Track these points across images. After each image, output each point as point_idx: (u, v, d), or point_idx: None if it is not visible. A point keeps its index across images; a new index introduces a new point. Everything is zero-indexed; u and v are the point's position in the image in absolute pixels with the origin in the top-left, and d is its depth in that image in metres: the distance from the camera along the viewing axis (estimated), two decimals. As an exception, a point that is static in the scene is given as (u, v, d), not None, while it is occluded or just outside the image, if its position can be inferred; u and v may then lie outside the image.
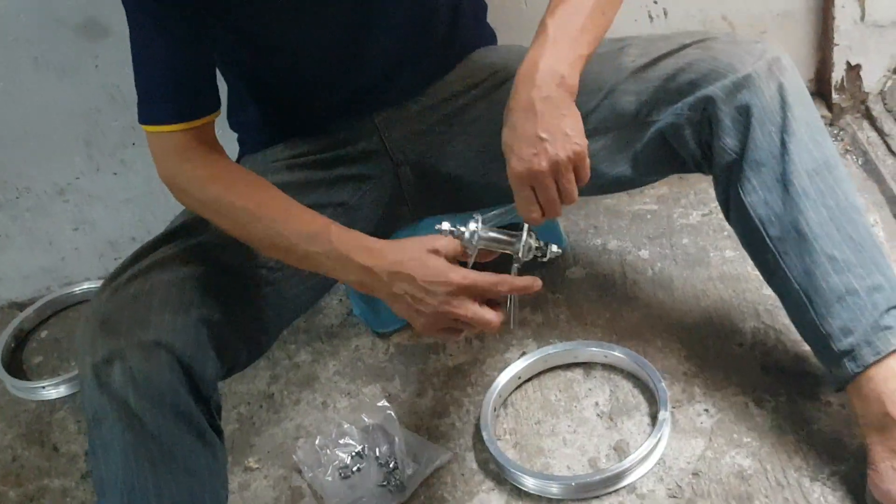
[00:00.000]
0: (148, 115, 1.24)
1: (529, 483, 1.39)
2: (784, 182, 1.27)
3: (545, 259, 1.25)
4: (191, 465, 1.14)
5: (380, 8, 1.31)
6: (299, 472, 1.51)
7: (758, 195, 1.29)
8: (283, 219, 1.20)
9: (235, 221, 1.22)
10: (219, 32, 1.29)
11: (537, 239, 1.22)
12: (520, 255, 1.22)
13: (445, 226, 1.18)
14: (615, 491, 1.37)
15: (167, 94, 1.22)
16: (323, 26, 1.30)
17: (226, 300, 1.22)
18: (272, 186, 1.26)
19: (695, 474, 1.37)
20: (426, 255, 1.14)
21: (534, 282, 1.18)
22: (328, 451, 1.51)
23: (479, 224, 1.19)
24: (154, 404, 1.11)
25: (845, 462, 1.33)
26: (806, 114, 1.28)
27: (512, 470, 1.40)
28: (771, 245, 1.30)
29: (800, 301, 1.29)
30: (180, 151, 1.25)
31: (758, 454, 1.38)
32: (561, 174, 1.14)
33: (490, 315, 1.15)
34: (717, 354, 1.56)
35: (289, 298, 1.34)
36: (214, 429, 1.20)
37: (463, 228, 1.18)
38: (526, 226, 1.21)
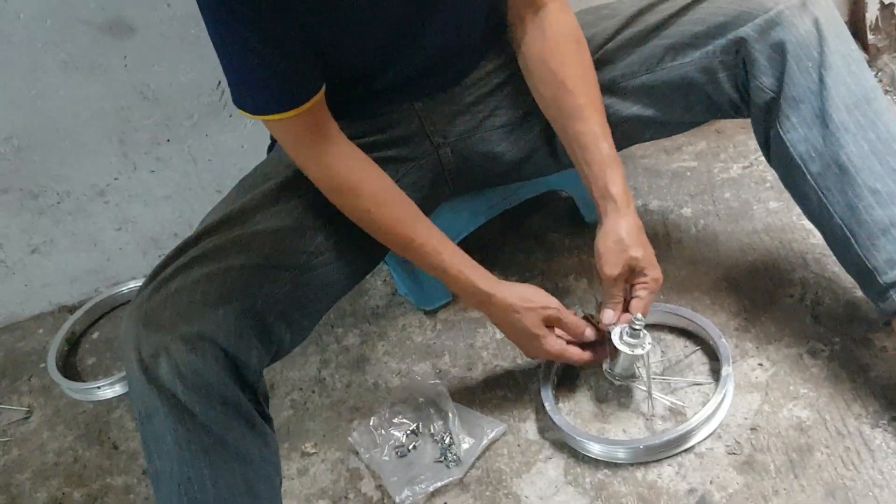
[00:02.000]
0: (258, 105, 1.24)
1: (595, 449, 1.38)
2: (823, 117, 1.26)
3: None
4: (243, 453, 1.15)
5: (433, 4, 1.32)
6: (356, 453, 1.52)
7: (797, 132, 1.29)
8: (408, 244, 1.35)
9: (373, 231, 1.35)
10: None
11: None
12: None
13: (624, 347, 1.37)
14: (678, 453, 1.36)
15: (272, 83, 1.22)
16: (379, 21, 1.30)
17: (267, 289, 1.23)
18: (401, 196, 1.36)
19: (753, 429, 1.36)
20: (529, 330, 1.39)
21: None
22: (383, 430, 1.52)
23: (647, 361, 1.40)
24: (202, 396, 1.11)
25: (906, 407, 1.32)
26: (843, 46, 1.27)
27: (577, 437, 1.39)
28: (812, 182, 1.29)
29: (844, 237, 1.27)
30: (302, 139, 1.27)
31: (815, 405, 1.37)
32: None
33: (581, 355, 1.42)
34: (767, 307, 1.55)
35: (330, 283, 1.35)
36: (263, 416, 1.21)
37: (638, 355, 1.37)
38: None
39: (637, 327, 1.33)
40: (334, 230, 1.33)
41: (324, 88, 1.26)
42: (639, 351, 1.35)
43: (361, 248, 1.37)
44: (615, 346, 1.36)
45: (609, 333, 1.37)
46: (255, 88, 1.21)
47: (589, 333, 1.41)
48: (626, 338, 1.35)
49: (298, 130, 1.25)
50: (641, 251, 1.34)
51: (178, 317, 1.14)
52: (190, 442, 1.12)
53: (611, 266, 1.34)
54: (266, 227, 1.28)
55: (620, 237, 1.33)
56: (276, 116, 1.22)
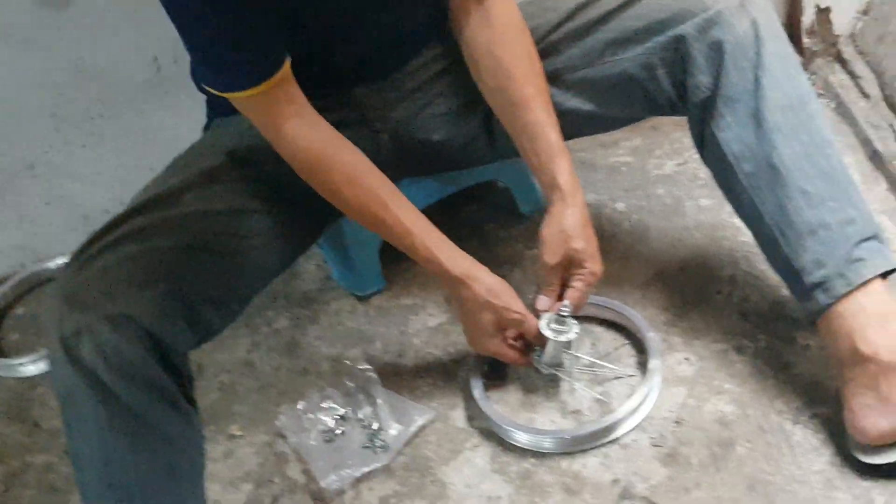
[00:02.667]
0: (225, 83, 1.22)
1: (522, 438, 1.39)
2: (757, 118, 1.28)
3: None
4: (165, 435, 1.14)
5: None
6: (283, 437, 1.50)
7: (732, 131, 1.30)
8: (382, 218, 1.32)
9: (343, 207, 1.33)
10: None
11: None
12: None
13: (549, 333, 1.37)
14: (603, 444, 1.37)
15: (237, 59, 1.19)
16: (322, 7, 1.28)
17: (194, 271, 1.21)
18: (374, 173, 1.33)
19: (677, 423, 1.38)
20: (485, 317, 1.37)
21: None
22: (311, 415, 1.50)
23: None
24: (125, 377, 1.09)
25: (826, 404, 1.34)
26: (779, 48, 1.29)
27: (504, 426, 1.39)
28: (745, 181, 1.31)
29: (773, 236, 1.30)
30: (273, 114, 1.25)
31: (739, 400, 1.39)
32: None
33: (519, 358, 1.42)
34: (696, 303, 1.57)
35: (260, 267, 1.34)
36: (187, 398, 1.19)
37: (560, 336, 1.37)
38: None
39: (564, 314, 1.34)
40: (266, 214, 1.31)
41: (289, 61, 1.24)
42: (563, 338, 1.35)
43: (292, 232, 1.36)
44: (542, 333, 1.36)
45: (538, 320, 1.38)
46: (221, 66, 1.20)
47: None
48: (552, 325, 1.36)
49: (269, 106, 1.23)
50: (583, 243, 1.34)
51: (102, 296, 1.12)
52: (111, 423, 1.10)
53: (551, 254, 1.35)
54: (197, 208, 1.26)
55: (564, 227, 1.34)
56: (246, 93, 1.20)
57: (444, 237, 1.35)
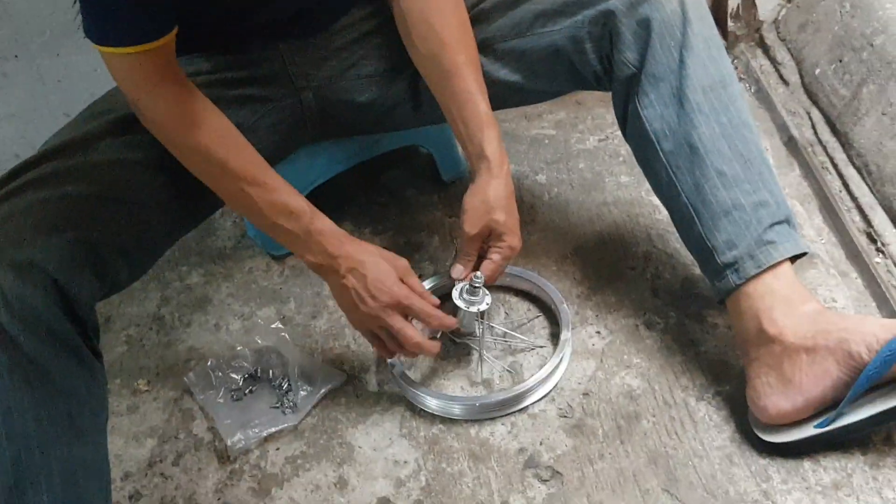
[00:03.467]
0: (102, 35, 1.13)
1: (432, 404, 1.39)
2: (680, 97, 1.29)
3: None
4: (68, 386, 1.11)
5: None
6: (191, 394, 1.48)
7: (654, 109, 1.32)
8: (262, 184, 1.25)
9: (209, 174, 1.25)
10: None
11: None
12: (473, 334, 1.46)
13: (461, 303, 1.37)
14: (512, 413, 1.38)
15: (122, 12, 1.11)
16: None
17: (104, 221, 1.17)
18: (245, 141, 1.26)
19: (585, 394, 1.39)
20: (387, 268, 1.28)
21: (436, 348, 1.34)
22: (220, 373, 1.49)
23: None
24: (28, 325, 1.06)
25: (730, 382, 1.37)
26: (705, 30, 1.30)
27: (415, 391, 1.39)
28: (664, 159, 1.32)
29: (688, 215, 1.31)
30: (145, 77, 1.18)
31: (646, 374, 1.41)
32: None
33: (415, 335, 1.29)
34: (609, 278, 1.58)
35: (173, 219, 1.31)
36: (92, 350, 1.16)
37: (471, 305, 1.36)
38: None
39: (476, 284, 1.34)
40: (181, 166, 1.28)
41: (176, 30, 1.18)
42: (474, 308, 1.35)
43: (206, 188, 1.33)
44: (454, 301, 1.36)
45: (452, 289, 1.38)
46: (107, 16, 1.13)
47: (434, 300, 1.34)
48: (465, 294, 1.36)
49: (146, 67, 1.17)
50: (504, 216, 1.34)
51: (7, 242, 1.08)
52: (13, 372, 1.06)
53: (471, 224, 1.34)
54: (110, 157, 1.22)
55: (487, 198, 1.33)
56: (127, 49, 1.15)
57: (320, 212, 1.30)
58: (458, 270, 1.38)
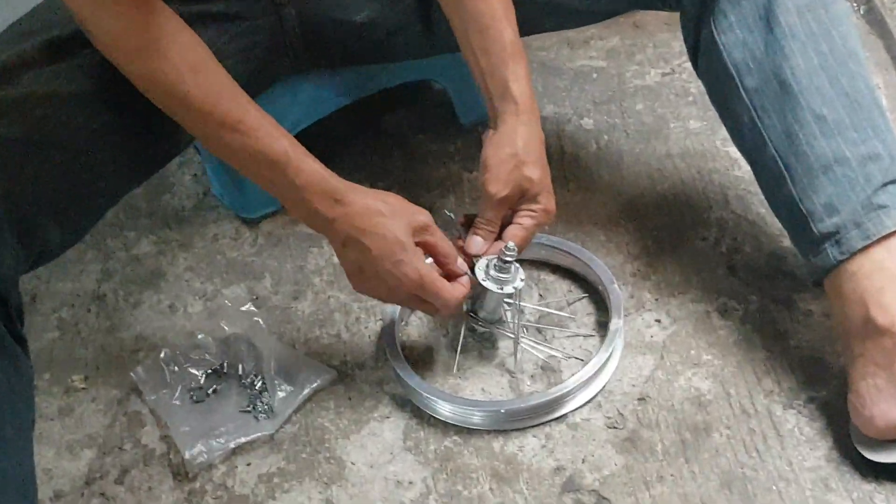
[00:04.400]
0: None
1: (445, 410, 1.39)
2: (768, 18, 1.28)
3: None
4: None
5: None
6: (139, 393, 1.49)
7: (734, 34, 1.30)
8: (234, 126, 1.23)
9: (173, 111, 1.25)
10: None
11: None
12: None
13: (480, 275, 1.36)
14: (546, 422, 1.38)
15: None
16: None
17: (30, 171, 1.18)
18: (220, 68, 1.25)
19: (641, 400, 1.39)
20: (396, 235, 1.26)
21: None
22: (177, 367, 1.49)
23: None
24: None
25: (826, 386, 1.37)
26: None
27: (424, 393, 1.40)
28: (746, 99, 1.31)
29: (776, 171, 1.30)
30: None
31: (719, 375, 1.41)
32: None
33: (447, 306, 1.32)
34: (674, 251, 1.58)
35: (118, 169, 1.31)
36: (15, 336, 1.17)
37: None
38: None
39: (508, 259, 1.33)
40: (128, 103, 1.28)
41: None
42: (508, 289, 1.35)
43: (162, 128, 1.33)
44: (479, 282, 1.36)
45: (473, 266, 1.37)
46: None
47: (461, 264, 1.37)
48: (493, 272, 1.36)
49: None
50: (539, 172, 1.33)
51: None
52: None
53: (497, 183, 1.33)
54: (36, 90, 1.22)
55: (516, 150, 1.32)
56: None
57: (309, 153, 1.29)
58: (476, 243, 1.37)
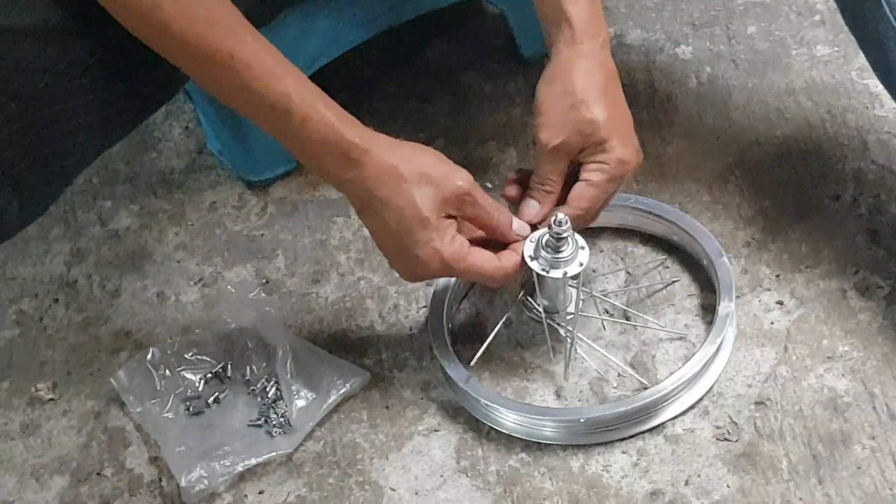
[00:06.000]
0: None
1: (509, 420, 1.40)
2: None
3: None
4: None
5: None
6: (121, 404, 1.50)
7: None
8: (225, 61, 1.22)
9: (155, 44, 1.24)
10: None
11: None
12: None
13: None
14: (639, 434, 1.38)
15: None
16: None
17: None
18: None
19: (759, 404, 1.39)
20: (421, 209, 1.26)
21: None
22: (168, 371, 1.50)
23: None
24: None
25: None
26: None
27: (482, 400, 1.40)
28: (891, 16, 1.30)
29: None
30: None
31: (860, 371, 1.40)
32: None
33: (494, 279, 1.34)
34: (798, 214, 1.58)
35: (88, 124, 1.31)
36: None
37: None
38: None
39: (561, 233, 1.31)
40: (104, 39, 1.29)
41: None
42: (558, 272, 1.34)
43: (144, 70, 1.33)
44: (526, 262, 1.34)
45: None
46: None
47: (519, 227, 1.36)
48: (544, 251, 1.34)
49: None
50: (604, 112, 1.32)
51: None
52: None
53: (550, 130, 1.32)
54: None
55: (573, 87, 1.32)
56: None
57: (326, 96, 1.29)
58: (530, 209, 1.36)
